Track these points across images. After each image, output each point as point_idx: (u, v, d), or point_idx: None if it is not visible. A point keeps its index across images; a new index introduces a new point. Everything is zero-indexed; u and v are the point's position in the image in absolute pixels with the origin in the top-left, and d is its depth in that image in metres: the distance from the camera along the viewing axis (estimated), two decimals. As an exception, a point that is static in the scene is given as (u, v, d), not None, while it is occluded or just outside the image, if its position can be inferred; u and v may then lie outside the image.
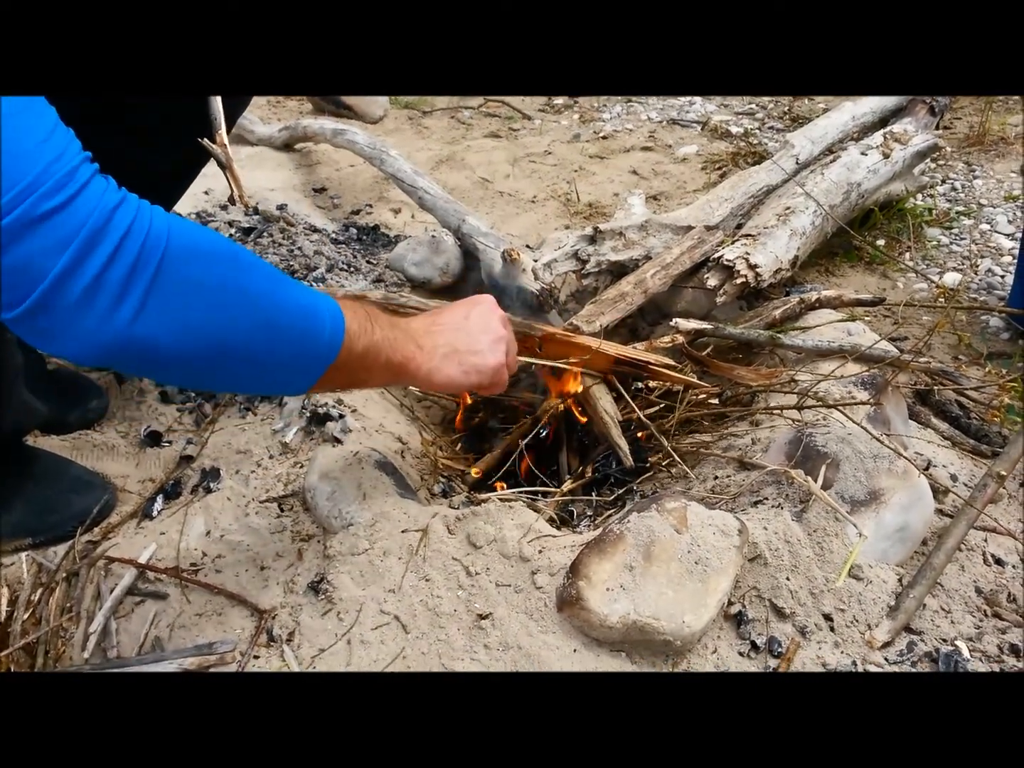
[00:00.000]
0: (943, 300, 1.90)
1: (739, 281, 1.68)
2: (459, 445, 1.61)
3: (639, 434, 1.53)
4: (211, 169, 3.06)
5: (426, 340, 1.07)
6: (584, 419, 1.53)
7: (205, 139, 1.21)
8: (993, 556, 1.27)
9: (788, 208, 1.91)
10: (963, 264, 2.25)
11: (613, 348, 1.47)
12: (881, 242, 2.34)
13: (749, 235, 1.79)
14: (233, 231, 2.26)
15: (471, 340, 1.10)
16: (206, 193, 2.67)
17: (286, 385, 0.97)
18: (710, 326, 1.59)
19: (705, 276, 1.71)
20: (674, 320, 1.58)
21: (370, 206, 2.76)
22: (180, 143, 1.30)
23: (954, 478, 1.41)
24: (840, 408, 1.26)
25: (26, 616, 1.21)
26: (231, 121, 1.29)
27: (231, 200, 1.49)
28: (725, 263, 1.70)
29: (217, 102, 1.25)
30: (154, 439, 1.58)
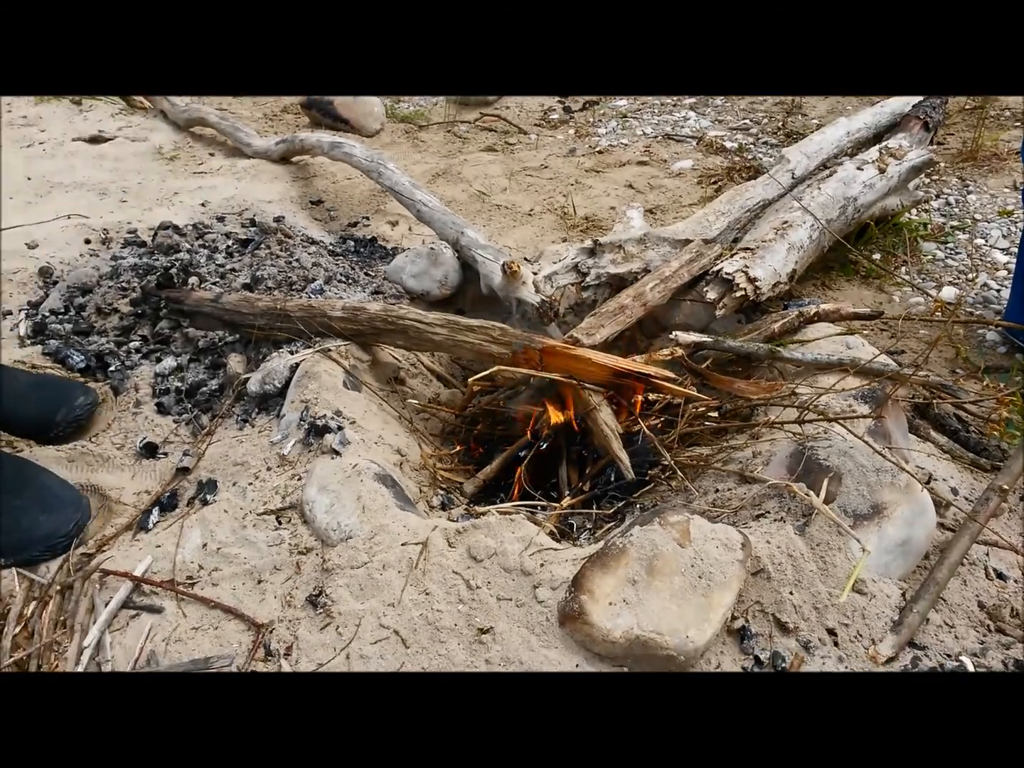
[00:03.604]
0: (941, 314, 1.90)
1: (738, 294, 1.68)
2: (456, 460, 1.59)
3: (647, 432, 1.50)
4: (207, 181, 3.06)
5: None
6: (577, 427, 1.52)
7: None
8: (995, 570, 1.27)
9: (786, 222, 1.91)
10: (959, 278, 2.26)
11: (613, 360, 1.46)
12: (877, 256, 2.35)
13: (748, 249, 1.80)
14: (230, 243, 2.26)
15: None
16: (203, 205, 2.67)
17: None
18: (709, 339, 1.59)
19: (704, 289, 1.71)
20: (674, 333, 1.58)
21: (367, 218, 2.76)
22: None
23: (955, 491, 1.40)
24: (841, 422, 1.25)
25: (18, 630, 1.19)
26: None
27: None
28: (724, 276, 1.70)
29: None
30: (150, 451, 1.56)
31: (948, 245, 2.41)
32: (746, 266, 1.71)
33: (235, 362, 1.64)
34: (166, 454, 1.57)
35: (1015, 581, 1.26)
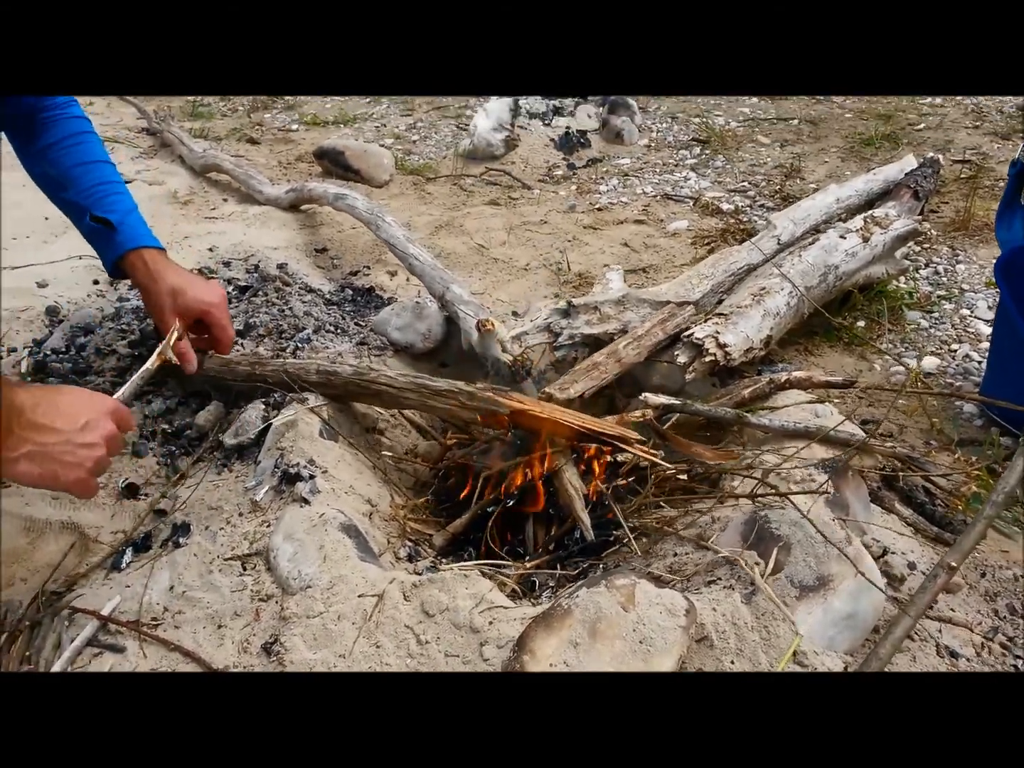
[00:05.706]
0: (916, 384, 1.93)
1: (708, 359, 1.72)
2: (428, 512, 1.63)
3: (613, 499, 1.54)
4: (217, 227, 3.15)
5: (24, 427, 1.06)
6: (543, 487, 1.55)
7: None
8: (947, 647, 1.27)
9: (763, 288, 1.96)
10: (942, 348, 2.28)
11: (579, 420, 1.50)
12: (861, 323, 2.39)
13: (721, 314, 1.84)
14: (231, 288, 2.34)
15: (68, 450, 1.11)
16: (211, 250, 2.76)
17: None
18: (678, 402, 1.63)
19: (676, 353, 1.76)
20: (643, 394, 1.61)
21: (368, 268, 2.84)
22: None
23: (912, 566, 1.42)
24: (789, 498, 1.28)
25: (-15, 664, 1.23)
26: None
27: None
28: (695, 341, 1.74)
29: None
30: (131, 491, 1.61)
31: (933, 314, 2.45)
32: (717, 332, 1.75)
33: (210, 413, 1.70)
34: (147, 495, 1.62)
35: (967, 660, 1.27)
